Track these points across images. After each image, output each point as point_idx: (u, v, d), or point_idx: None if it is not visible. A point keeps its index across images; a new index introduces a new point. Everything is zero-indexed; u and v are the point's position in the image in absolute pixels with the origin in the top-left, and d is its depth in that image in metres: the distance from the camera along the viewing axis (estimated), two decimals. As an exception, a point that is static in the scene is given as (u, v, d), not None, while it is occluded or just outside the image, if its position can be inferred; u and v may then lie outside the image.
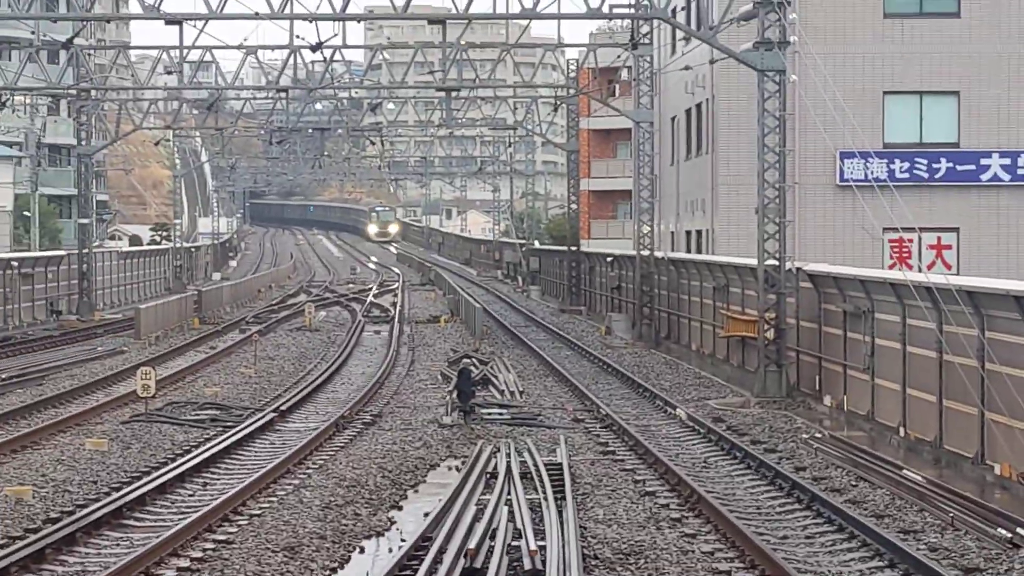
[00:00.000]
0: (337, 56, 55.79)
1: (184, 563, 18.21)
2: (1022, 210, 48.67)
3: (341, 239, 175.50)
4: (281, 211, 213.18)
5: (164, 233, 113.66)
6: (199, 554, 18.68)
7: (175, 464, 25.02)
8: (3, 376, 39.29)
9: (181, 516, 20.92)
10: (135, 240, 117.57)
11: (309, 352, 48.58)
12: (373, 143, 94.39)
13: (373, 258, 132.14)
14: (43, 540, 18.67)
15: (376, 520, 21.16)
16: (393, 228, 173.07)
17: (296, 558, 18.61)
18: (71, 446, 27.58)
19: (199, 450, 26.67)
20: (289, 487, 23.60)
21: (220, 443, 27.25)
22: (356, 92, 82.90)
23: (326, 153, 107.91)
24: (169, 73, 57.31)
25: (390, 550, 19.22)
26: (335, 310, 71.19)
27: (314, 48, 46.59)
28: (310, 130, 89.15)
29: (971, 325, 24.04)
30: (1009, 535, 18.95)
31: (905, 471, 23.62)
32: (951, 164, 48.62)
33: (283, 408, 32.69)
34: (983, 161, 48.63)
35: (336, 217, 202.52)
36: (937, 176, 48.60)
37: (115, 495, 22.02)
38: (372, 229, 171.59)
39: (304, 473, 25.03)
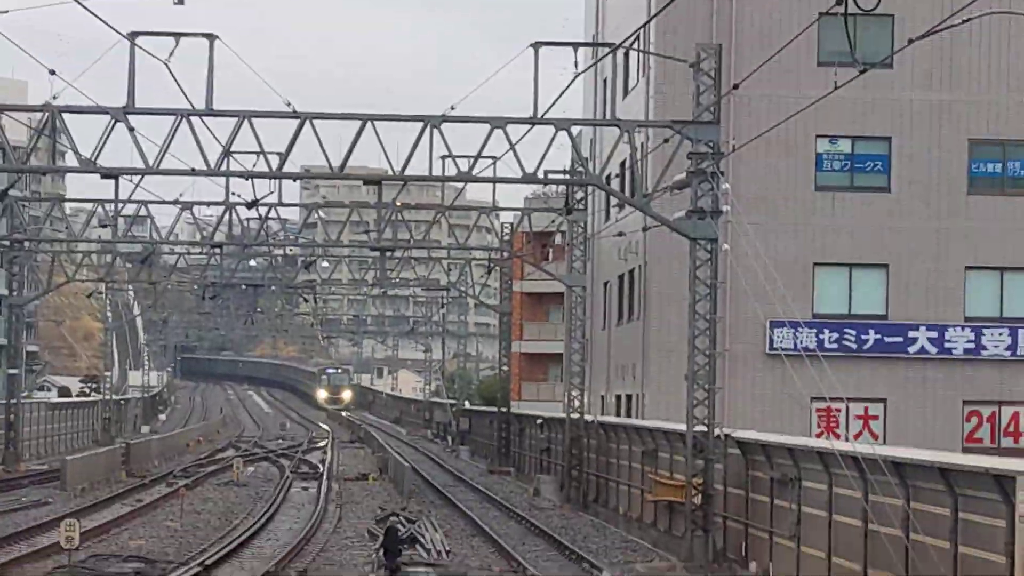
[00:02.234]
0: (272, 213, 56.19)
1: None
2: (948, 383, 49.20)
3: (272, 395, 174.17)
4: (218, 367, 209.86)
5: (94, 385, 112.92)
6: None
7: (97, 617, 24.71)
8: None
9: (101, 670, 20.65)
10: (64, 391, 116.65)
11: (236, 507, 48.21)
12: (306, 300, 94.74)
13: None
14: None
15: (299, 678, 20.96)
16: (347, 394, 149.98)
17: None
18: (-9, 597, 27.20)
19: (121, 604, 26.35)
20: (212, 643, 23.35)
21: (143, 597, 26.94)
22: (291, 249, 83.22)
23: (259, 309, 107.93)
24: (104, 226, 57.44)
25: None
26: (264, 465, 70.74)
27: (249, 205, 46.94)
28: (243, 286, 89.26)
29: (896, 495, 24.20)
30: None
31: (829, 639, 23.60)
32: (879, 336, 49.18)
33: (208, 562, 32.39)
34: (911, 334, 49.22)
35: (279, 376, 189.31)
36: (865, 347, 49.11)
37: (35, 647, 21.73)
38: (322, 395, 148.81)
39: (227, 629, 24.79)
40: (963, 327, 49.19)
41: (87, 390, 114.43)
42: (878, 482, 24.76)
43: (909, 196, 49.18)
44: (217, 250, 64.16)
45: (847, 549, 26.86)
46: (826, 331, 48.88)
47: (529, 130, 36.55)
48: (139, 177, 44.29)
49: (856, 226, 49.18)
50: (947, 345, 49.22)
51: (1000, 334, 49.21)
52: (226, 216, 55.18)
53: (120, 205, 52.85)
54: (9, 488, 53.74)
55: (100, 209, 55.35)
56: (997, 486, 20.72)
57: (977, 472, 21.53)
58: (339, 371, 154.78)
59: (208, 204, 57.30)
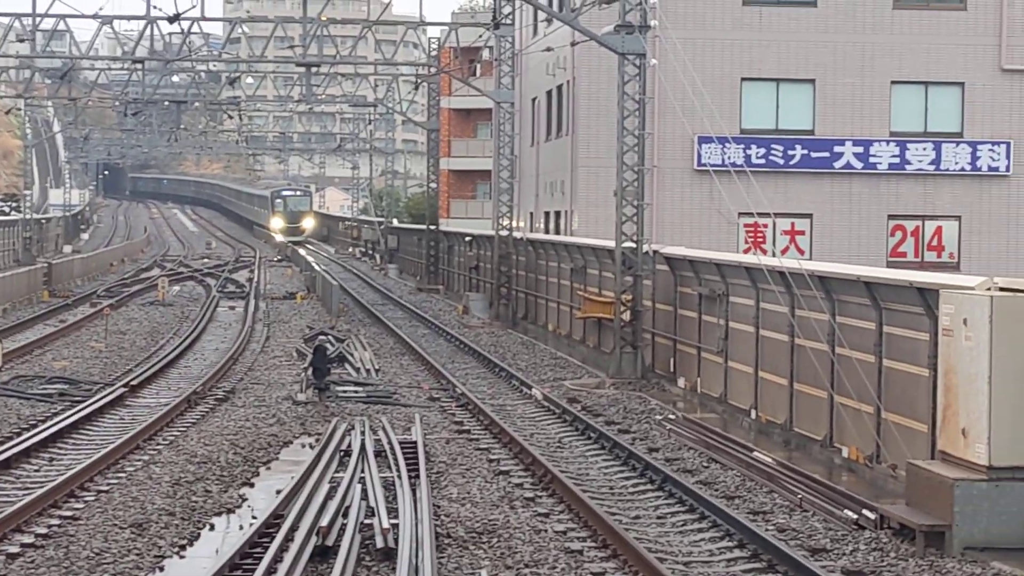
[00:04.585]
0: (195, 28, 55.20)
1: (28, 539, 17.90)
2: (873, 197, 49.44)
3: (197, 213, 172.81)
4: (161, 187, 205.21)
5: (14, 204, 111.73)
6: (44, 530, 18.37)
7: (21, 439, 24.59)
8: None
9: (26, 492, 20.57)
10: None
11: (162, 327, 48.04)
12: (231, 117, 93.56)
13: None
14: None
15: (227, 497, 20.96)
16: (309, 222, 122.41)
17: (144, 535, 18.38)
18: (-85, 419, 27.01)
19: (46, 425, 26.25)
20: (138, 463, 23.31)
21: (68, 418, 26.84)
22: (214, 65, 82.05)
23: (183, 126, 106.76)
24: (21, 41, 56.32)
25: (241, 527, 19.05)
26: (189, 285, 70.49)
27: (171, 19, 46.09)
28: (166, 102, 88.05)
29: (822, 310, 24.33)
30: (855, 516, 19.22)
31: (756, 453, 23.87)
32: (806, 151, 49.21)
33: (133, 383, 32.28)
34: (836, 149, 49.28)
35: (224, 199, 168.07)
36: (792, 162, 49.16)
37: (-41, 469, 21.61)
38: (277, 223, 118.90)
39: (154, 449, 24.74)
40: (888, 142, 49.30)
41: (7, 209, 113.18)
42: (804, 297, 24.89)
43: (835, 10, 48.90)
44: (139, 66, 63.12)
45: (774, 364, 27.07)
46: (753, 146, 48.85)
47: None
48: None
49: (783, 41, 48.94)
50: (872, 160, 49.34)
51: (924, 148, 49.37)
52: (147, 30, 54.18)
53: (38, 19, 51.80)
54: (-68, 309, 53.31)
55: (17, 23, 54.21)
56: (921, 299, 20.84)
57: (901, 286, 21.66)
58: (298, 193, 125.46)
59: (129, 18, 56.17)
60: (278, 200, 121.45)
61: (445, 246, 69.45)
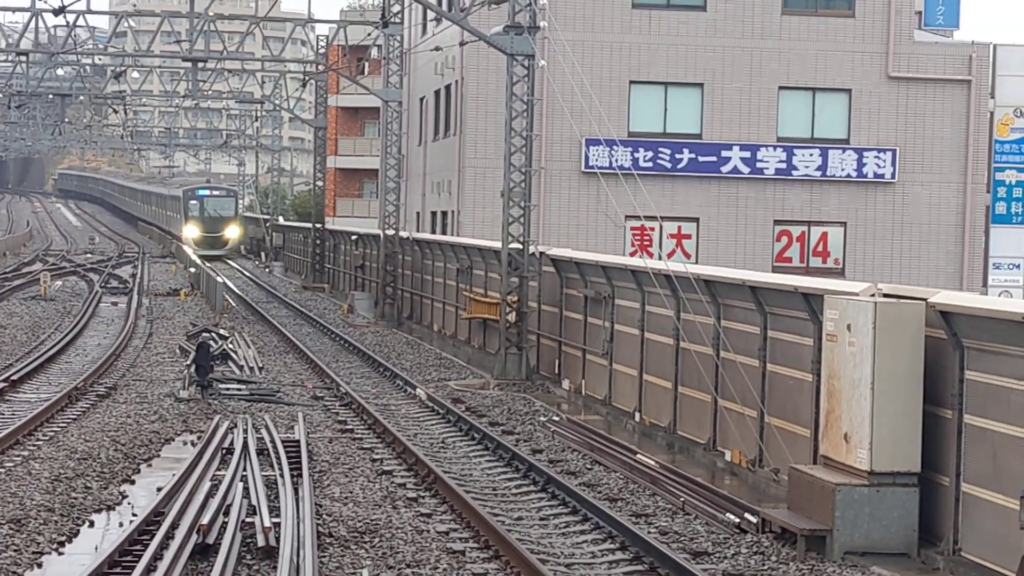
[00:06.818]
0: (81, 21, 54.56)
1: (-97, 536, 17.59)
2: (759, 202, 49.88)
3: (80, 208, 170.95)
4: (87, 186, 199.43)
5: None
6: (-81, 526, 18.06)
7: None
8: None
9: (-99, 487, 20.22)
10: None
11: (43, 322, 47.42)
12: (116, 111, 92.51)
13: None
14: None
15: (107, 494, 20.71)
16: (233, 231, 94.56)
17: (22, 531, 18.11)
18: None
19: (-77, 419, 25.82)
20: (17, 459, 22.96)
21: (-54, 413, 26.41)
22: (100, 59, 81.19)
23: (67, 120, 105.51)
24: (-97, 30, 55.40)
25: (121, 524, 18.83)
26: (72, 280, 69.65)
27: (57, 12, 45.54)
28: (51, 96, 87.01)
29: (708, 314, 24.45)
30: (737, 520, 19.33)
31: (639, 455, 23.94)
32: (693, 155, 49.54)
33: (13, 378, 31.83)
34: (724, 153, 49.66)
35: (132, 201, 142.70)
36: (680, 166, 49.46)
37: None
38: (192, 232, 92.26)
39: (33, 445, 24.39)
40: (775, 147, 49.76)
41: None
42: (690, 300, 24.99)
43: (724, 15, 49.31)
44: (23, 58, 62.28)
45: (659, 367, 27.17)
46: (641, 149, 49.10)
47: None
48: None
49: (672, 44, 49.25)
50: (759, 165, 49.77)
51: (811, 154, 49.88)
52: (32, 22, 53.51)
53: (-80, 9, 51.02)
54: None
55: (-102, 13, 53.51)
56: (806, 304, 20.99)
57: (786, 291, 21.80)
58: (218, 194, 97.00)
59: (14, 10, 55.47)
60: (193, 202, 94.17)
61: (331, 244, 69.19)
